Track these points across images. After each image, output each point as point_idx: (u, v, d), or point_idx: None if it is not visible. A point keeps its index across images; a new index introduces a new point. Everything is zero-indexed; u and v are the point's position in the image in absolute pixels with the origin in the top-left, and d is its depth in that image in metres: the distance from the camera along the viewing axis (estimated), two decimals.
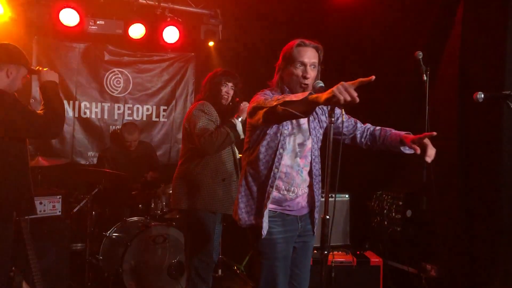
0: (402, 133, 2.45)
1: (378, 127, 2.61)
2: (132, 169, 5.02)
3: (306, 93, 2.03)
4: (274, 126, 2.42)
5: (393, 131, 2.52)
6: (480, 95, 2.54)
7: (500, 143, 3.44)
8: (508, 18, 3.39)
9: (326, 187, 2.14)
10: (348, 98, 1.85)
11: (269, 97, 2.32)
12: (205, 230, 3.25)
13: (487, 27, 3.59)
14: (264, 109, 2.23)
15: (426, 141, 2.25)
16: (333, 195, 3.82)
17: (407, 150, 2.42)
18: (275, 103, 2.14)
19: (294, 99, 2.06)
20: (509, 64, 3.37)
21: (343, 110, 2.09)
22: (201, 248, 3.26)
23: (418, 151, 2.26)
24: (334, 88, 1.87)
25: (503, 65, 3.40)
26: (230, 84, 3.32)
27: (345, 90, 1.85)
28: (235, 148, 3.44)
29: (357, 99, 1.86)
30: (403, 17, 4.29)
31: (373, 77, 1.87)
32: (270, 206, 2.45)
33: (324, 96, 1.92)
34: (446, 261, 3.82)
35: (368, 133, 2.61)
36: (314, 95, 1.99)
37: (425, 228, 3.99)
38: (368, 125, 2.65)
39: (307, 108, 2.06)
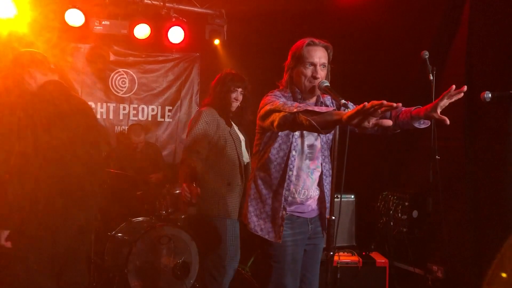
0: (412, 109, 2.24)
1: None
2: (138, 170, 5.02)
3: (330, 108, 1.94)
4: None
5: (404, 109, 2.30)
6: (488, 95, 2.51)
7: (507, 143, 3.41)
8: None
9: (332, 188, 2.12)
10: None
11: (287, 101, 2.23)
12: (215, 234, 3.24)
13: (494, 26, 3.56)
14: (282, 113, 2.11)
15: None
16: (339, 196, 3.81)
17: (422, 125, 2.24)
18: (295, 110, 2.03)
19: (317, 110, 1.95)
20: None
21: (348, 110, 2.03)
22: (212, 251, 3.28)
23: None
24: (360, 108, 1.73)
25: (510, 64, 3.37)
26: (239, 90, 3.30)
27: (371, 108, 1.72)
28: (242, 151, 3.40)
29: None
30: (409, 16, 4.27)
31: (400, 105, 1.74)
32: None
33: (348, 113, 1.80)
34: (453, 262, 3.79)
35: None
36: (338, 112, 1.88)
37: (431, 229, 3.97)
38: None
39: (327, 122, 1.91)
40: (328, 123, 1.92)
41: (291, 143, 2.39)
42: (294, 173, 2.41)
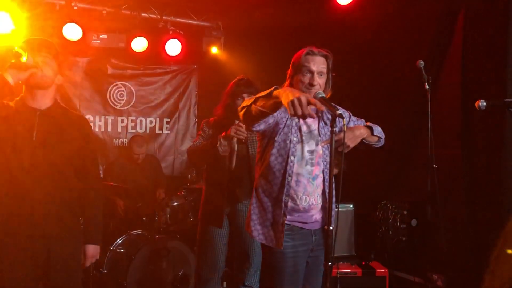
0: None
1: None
2: (138, 182, 5.02)
3: (272, 88, 2.11)
4: (282, 133, 2.39)
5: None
6: (482, 103, 2.53)
7: (504, 150, 3.43)
8: (509, 26, 3.40)
9: (329, 197, 2.12)
10: (299, 113, 1.91)
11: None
12: (201, 241, 3.33)
13: (489, 35, 3.60)
14: (243, 110, 2.29)
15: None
16: (337, 205, 3.80)
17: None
18: (250, 102, 2.21)
19: (263, 94, 2.14)
20: (510, 72, 3.38)
21: (344, 120, 2.05)
22: (198, 258, 3.41)
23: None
24: (289, 102, 1.92)
25: (505, 73, 3.40)
26: (245, 95, 3.12)
27: (299, 105, 1.90)
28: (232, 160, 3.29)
29: (313, 116, 1.94)
30: (404, 26, 4.31)
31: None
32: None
33: (283, 100, 1.98)
34: (453, 271, 3.78)
35: None
36: (276, 93, 2.06)
37: (431, 238, 3.96)
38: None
39: (271, 106, 2.12)
40: (273, 107, 2.13)
41: (289, 149, 2.38)
42: (294, 178, 2.39)
